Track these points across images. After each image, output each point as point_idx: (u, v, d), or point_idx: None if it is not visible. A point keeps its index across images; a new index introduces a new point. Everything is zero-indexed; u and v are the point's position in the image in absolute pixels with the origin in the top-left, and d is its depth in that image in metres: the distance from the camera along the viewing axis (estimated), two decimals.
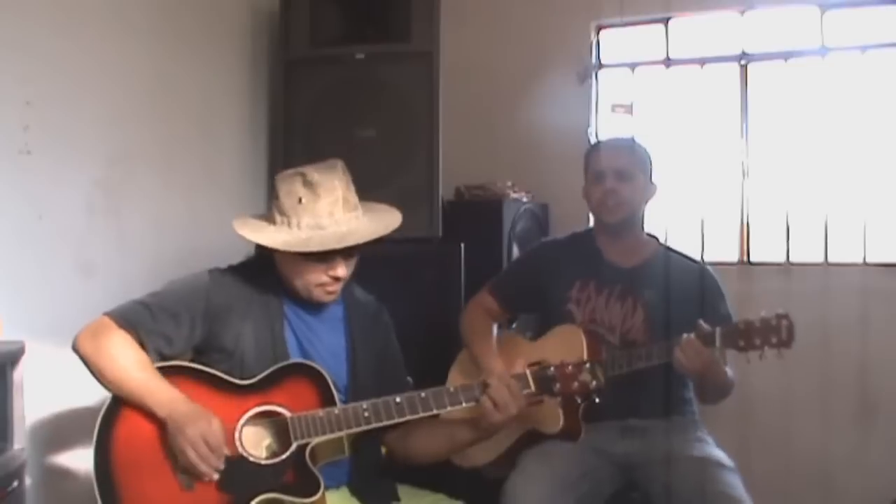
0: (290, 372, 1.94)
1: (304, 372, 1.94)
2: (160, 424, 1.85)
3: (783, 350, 2.11)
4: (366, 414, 1.87)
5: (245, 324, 1.99)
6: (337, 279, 1.97)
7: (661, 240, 2.61)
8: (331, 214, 1.94)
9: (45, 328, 2.25)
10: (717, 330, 2.15)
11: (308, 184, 1.95)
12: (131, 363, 1.88)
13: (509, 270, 2.82)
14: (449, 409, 1.89)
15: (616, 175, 2.43)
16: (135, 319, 1.92)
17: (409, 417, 1.88)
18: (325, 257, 1.94)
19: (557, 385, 1.89)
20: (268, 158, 3.50)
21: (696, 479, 2.19)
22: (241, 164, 3.41)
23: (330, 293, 2.00)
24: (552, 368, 1.90)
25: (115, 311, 1.94)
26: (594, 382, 1.87)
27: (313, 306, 2.05)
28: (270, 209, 2.02)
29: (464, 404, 1.89)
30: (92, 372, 1.90)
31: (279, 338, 2.01)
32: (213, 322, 1.98)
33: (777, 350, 2.11)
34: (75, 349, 1.92)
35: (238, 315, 1.99)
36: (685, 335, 2.17)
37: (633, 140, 2.57)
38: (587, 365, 1.89)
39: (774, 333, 2.09)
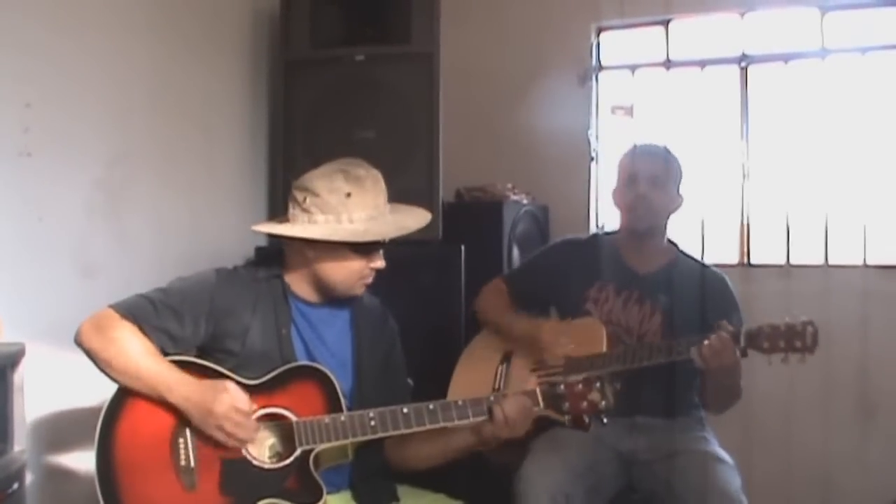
0: (296, 374, 1.94)
1: (311, 375, 1.94)
2: (163, 423, 1.86)
3: (807, 355, 2.12)
4: (372, 423, 1.87)
5: (251, 325, 1.99)
6: (375, 271, 2.01)
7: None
8: (376, 207, 1.99)
9: (45, 330, 2.25)
10: (742, 330, 2.16)
11: (354, 179, 1.97)
12: (140, 352, 1.88)
13: (527, 264, 2.81)
14: (456, 422, 1.88)
15: (649, 181, 2.44)
16: (139, 314, 1.92)
17: (415, 429, 1.88)
18: (368, 250, 1.97)
19: (566, 404, 1.89)
20: (268, 159, 3.50)
21: (696, 473, 2.21)
22: (240, 165, 3.41)
23: (366, 286, 2.04)
24: (562, 386, 1.89)
25: (120, 305, 1.94)
26: (603, 402, 1.87)
27: (321, 309, 2.06)
28: (304, 209, 1.96)
29: (471, 418, 1.88)
30: (98, 364, 1.90)
31: (286, 340, 2.01)
32: (218, 322, 1.98)
33: (801, 355, 2.12)
34: (79, 342, 1.91)
35: (244, 316, 1.99)
36: (714, 335, 2.16)
37: (667, 149, 2.55)
38: (597, 384, 1.88)
39: (799, 338, 2.11)
